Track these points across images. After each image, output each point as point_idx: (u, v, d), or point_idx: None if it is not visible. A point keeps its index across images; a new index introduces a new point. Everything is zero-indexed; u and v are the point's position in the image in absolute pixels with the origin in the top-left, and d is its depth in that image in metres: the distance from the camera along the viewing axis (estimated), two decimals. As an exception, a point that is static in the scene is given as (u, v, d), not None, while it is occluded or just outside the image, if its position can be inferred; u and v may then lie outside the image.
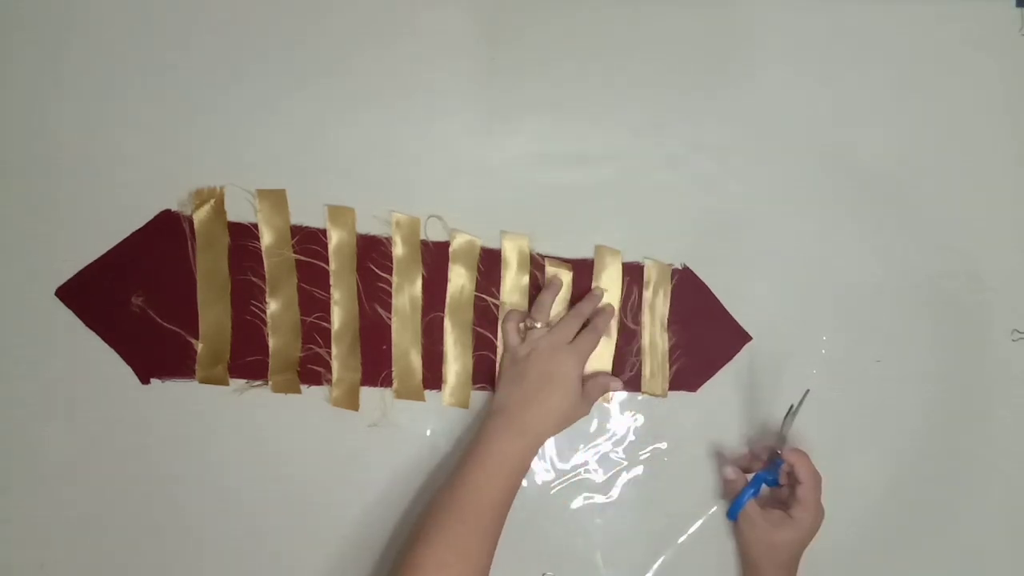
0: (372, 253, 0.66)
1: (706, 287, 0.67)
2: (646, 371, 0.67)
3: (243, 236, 0.65)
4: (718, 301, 0.67)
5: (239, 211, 0.65)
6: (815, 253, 0.68)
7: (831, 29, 0.69)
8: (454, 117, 0.67)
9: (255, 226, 0.65)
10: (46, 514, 0.64)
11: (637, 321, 0.67)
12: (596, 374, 0.65)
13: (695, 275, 0.67)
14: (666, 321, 0.67)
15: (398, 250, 0.65)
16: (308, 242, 0.65)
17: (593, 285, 0.66)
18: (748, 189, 0.68)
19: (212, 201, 0.64)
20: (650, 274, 0.67)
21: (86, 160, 0.65)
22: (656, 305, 0.67)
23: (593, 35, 0.68)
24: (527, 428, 0.60)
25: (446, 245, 0.66)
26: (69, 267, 0.64)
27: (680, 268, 0.67)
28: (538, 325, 0.63)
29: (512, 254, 0.66)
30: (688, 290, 0.67)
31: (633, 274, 0.67)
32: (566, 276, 0.66)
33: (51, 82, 0.65)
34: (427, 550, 0.55)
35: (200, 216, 0.64)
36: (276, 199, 0.65)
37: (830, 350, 0.68)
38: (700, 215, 0.68)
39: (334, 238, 0.65)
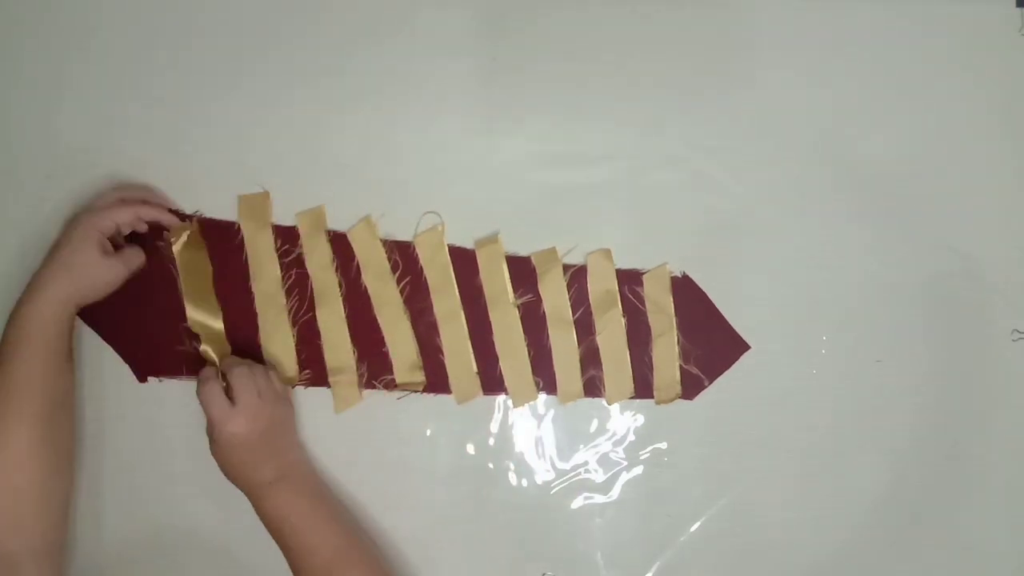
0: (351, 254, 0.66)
1: (705, 296, 0.67)
2: (656, 381, 0.66)
3: (227, 256, 0.65)
4: (716, 309, 0.67)
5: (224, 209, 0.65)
6: (815, 253, 0.68)
7: (831, 29, 0.69)
8: (454, 117, 0.67)
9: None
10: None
11: (644, 329, 0.67)
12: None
13: (694, 283, 0.67)
14: (674, 325, 0.66)
15: (365, 253, 0.65)
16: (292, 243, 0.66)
17: (591, 290, 0.66)
18: (748, 189, 0.68)
19: (186, 234, 0.64)
20: (649, 286, 0.67)
21: (88, 160, 0.65)
22: (661, 313, 0.66)
23: (593, 35, 0.68)
24: (39, 286, 0.57)
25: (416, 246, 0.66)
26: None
27: (679, 276, 0.67)
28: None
29: (487, 260, 0.66)
30: (687, 299, 0.67)
31: (631, 280, 0.67)
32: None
33: (53, 85, 0.66)
34: None
35: (178, 249, 0.64)
36: (257, 202, 0.65)
37: (830, 350, 0.68)
38: (700, 215, 0.68)
39: (305, 239, 0.65)
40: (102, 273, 0.60)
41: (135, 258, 0.62)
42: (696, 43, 0.68)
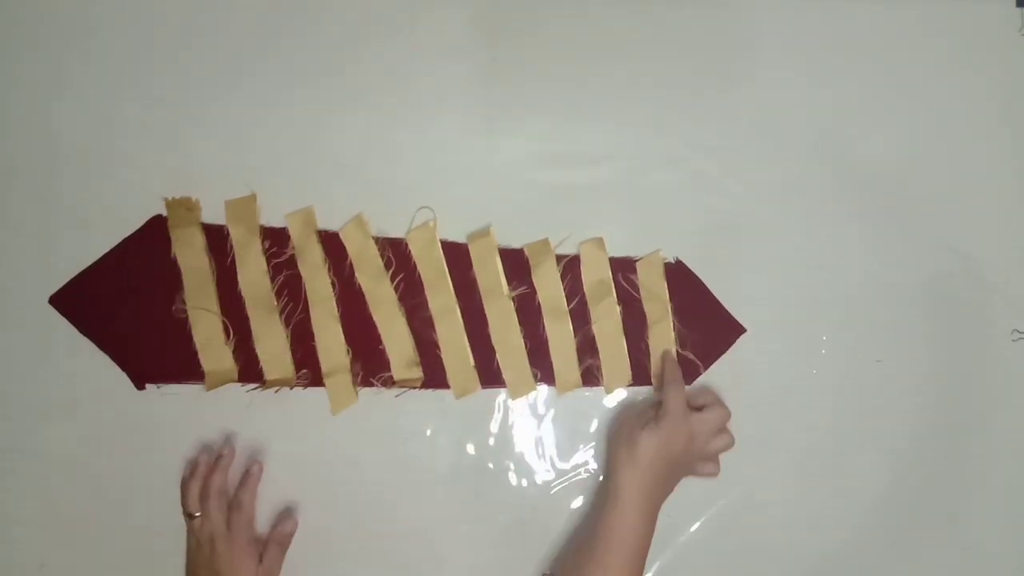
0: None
1: (698, 279, 0.67)
2: (654, 367, 0.66)
3: (221, 248, 0.65)
4: (711, 293, 0.67)
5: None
6: (815, 253, 0.68)
7: (831, 29, 0.69)
8: (454, 117, 0.67)
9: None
10: (46, 514, 0.64)
11: (639, 317, 0.67)
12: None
13: (687, 268, 0.67)
14: (669, 311, 0.66)
15: (358, 251, 0.65)
16: (279, 244, 0.65)
17: (585, 280, 0.66)
18: (748, 189, 0.68)
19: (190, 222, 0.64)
20: (643, 273, 0.67)
21: (83, 164, 0.65)
22: (656, 300, 0.67)
23: (593, 35, 0.68)
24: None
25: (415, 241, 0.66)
26: (67, 270, 0.64)
27: (672, 262, 0.67)
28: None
29: (480, 253, 0.66)
30: (680, 284, 0.67)
31: (625, 268, 0.67)
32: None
33: (48, 86, 0.65)
34: None
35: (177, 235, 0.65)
36: (244, 205, 0.65)
37: (830, 350, 0.68)
38: (700, 215, 0.68)
39: (296, 240, 0.65)
40: None
41: (276, 564, 0.62)
42: (696, 43, 0.68)
